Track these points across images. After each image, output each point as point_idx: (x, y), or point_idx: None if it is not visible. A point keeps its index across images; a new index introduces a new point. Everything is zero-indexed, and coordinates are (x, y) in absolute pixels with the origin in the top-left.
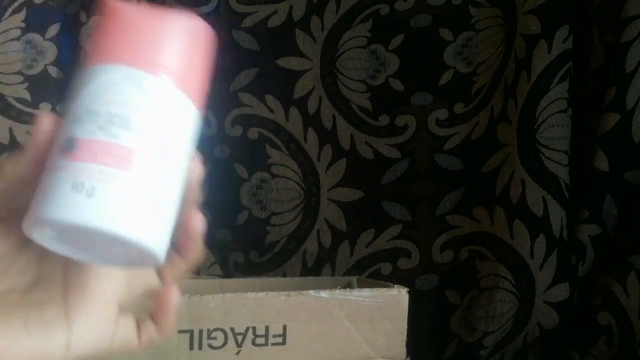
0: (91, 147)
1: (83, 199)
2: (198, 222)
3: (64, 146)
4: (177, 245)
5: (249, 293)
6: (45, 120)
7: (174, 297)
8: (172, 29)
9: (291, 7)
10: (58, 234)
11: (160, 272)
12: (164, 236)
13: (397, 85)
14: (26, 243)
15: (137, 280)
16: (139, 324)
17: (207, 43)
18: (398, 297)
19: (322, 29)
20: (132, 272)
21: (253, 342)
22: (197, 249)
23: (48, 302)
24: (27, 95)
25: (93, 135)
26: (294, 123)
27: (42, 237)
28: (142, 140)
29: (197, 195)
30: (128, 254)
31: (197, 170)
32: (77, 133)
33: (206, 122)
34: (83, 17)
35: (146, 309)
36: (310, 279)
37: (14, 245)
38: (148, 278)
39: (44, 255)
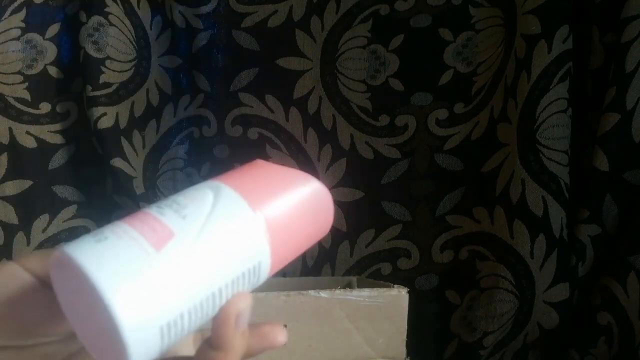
0: (138, 215)
1: (90, 242)
2: None
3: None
4: None
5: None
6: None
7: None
8: (289, 181)
9: (291, 7)
10: (63, 272)
11: None
12: (146, 331)
13: (397, 85)
14: (72, 338)
15: None
16: None
17: (323, 212)
18: (398, 297)
19: (322, 29)
20: None
21: None
22: None
23: None
24: (27, 95)
25: (148, 209)
26: (294, 123)
27: (58, 280)
28: (181, 225)
29: (232, 339)
30: (106, 337)
31: (238, 307)
32: (145, 209)
33: (206, 122)
34: (83, 17)
35: None
36: (310, 279)
37: (53, 326)
38: None
39: (75, 351)
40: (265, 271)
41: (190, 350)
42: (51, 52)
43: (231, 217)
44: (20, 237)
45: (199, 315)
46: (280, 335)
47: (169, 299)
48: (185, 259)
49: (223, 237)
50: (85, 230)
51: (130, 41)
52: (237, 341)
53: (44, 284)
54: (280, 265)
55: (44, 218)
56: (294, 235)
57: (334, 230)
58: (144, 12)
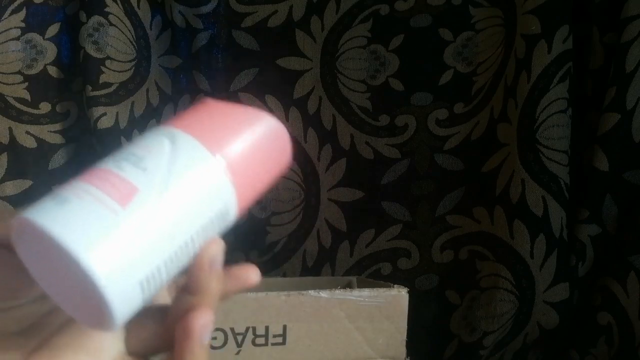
0: (95, 172)
1: (52, 205)
2: (199, 320)
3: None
4: (175, 344)
5: (249, 293)
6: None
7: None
8: (244, 120)
9: (291, 7)
10: (30, 244)
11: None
12: (126, 288)
13: (397, 85)
14: (42, 298)
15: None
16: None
17: (281, 147)
18: (398, 297)
19: (322, 29)
20: None
21: (253, 342)
22: (194, 354)
23: (13, 342)
24: (26, 95)
25: (104, 165)
26: (294, 123)
27: (20, 243)
28: (143, 179)
29: (209, 283)
30: (85, 296)
31: (212, 250)
32: (102, 164)
33: None
34: (83, 17)
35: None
36: (310, 279)
37: (25, 288)
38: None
39: (46, 312)
40: (233, 212)
41: (165, 298)
42: (51, 52)
43: (191, 163)
44: None
45: (174, 265)
46: (252, 274)
47: (143, 253)
48: (153, 213)
49: (187, 186)
50: None
51: (130, 41)
52: (213, 284)
53: (6, 247)
54: (246, 204)
55: None
56: (255, 173)
57: (334, 230)
58: (144, 12)
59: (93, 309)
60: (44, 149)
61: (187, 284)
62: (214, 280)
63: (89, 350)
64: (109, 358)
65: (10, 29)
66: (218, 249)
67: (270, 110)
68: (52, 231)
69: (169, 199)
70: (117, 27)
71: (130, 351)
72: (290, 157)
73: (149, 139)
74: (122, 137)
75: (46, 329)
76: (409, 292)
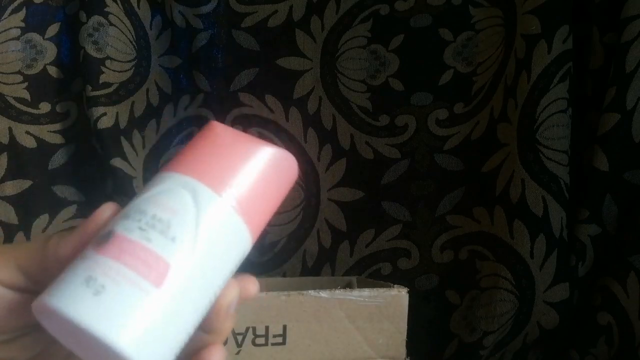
0: (122, 243)
1: (89, 295)
2: (215, 358)
3: (100, 237)
4: None
5: None
6: (104, 208)
7: None
8: (251, 154)
9: (291, 7)
10: (60, 324)
11: None
12: (163, 357)
13: (397, 85)
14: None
15: None
16: None
17: (286, 177)
18: (398, 297)
19: (322, 29)
20: None
21: (253, 342)
22: None
23: None
24: (26, 95)
25: (129, 233)
26: (294, 123)
27: (49, 323)
28: (175, 252)
29: (224, 325)
30: None
31: (230, 297)
32: (116, 227)
33: (206, 122)
34: (83, 17)
35: None
36: (310, 279)
37: (29, 321)
38: None
39: (52, 341)
40: (247, 251)
41: None
42: (51, 52)
43: (216, 224)
44: (20, 237)
45: (201, 317)
46: (251, 286)
47: (179, 329)
48: (186, 287)
49: (215, 249)
50: None
51: (130, 41)
52: (228, 325)
53: (17, 289)
54: (256, 238)
55: (44, 218)
56: (266, 209)
57: (334, 230)
58: (144, 12)
59: None
60: (44, 149)
61: (204, 324)
62: (229, 322)
63: None
64: None
65: (10, 28)
66: (235, 294)
67: (270, 110)
68: (94, 329)
69: (200, 268)
70: (117, 27)
71: None
72: (295, 178)
73: (168, 193)
74: (122, 138)
75: (52, 359)
76: (409, 292)
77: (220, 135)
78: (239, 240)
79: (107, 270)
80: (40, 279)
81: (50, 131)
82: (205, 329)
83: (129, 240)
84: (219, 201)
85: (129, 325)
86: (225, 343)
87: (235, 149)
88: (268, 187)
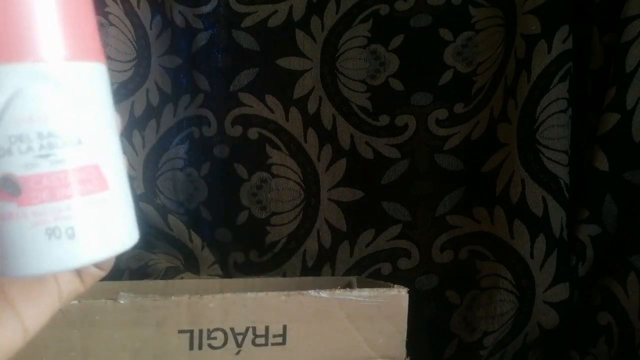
0: (41, 184)
1: (66, 243)
2: None
3: (5, 187)
4: None
5: (249, 293)
6: None
7: None
8: None
9: (291, 7)
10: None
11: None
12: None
13: (397, 85)
14: None
15: None
16: (78, 270)
17: None
18: (398, 297)
19: (322, 29)
20: None
21: (253, 342)
22: None
23: None
24: None
25: (35, 169)
26: (294, 123)
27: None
28: (87, 150)
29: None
30: None
31: (119, 124)
32: (11, 169)
33: (206, 122)
34: None
35: None
36: (310, 279)
37: None
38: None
39: None
40: (106, 72)
41: None
42: None
43: (83, 89)
44: None
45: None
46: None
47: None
48: (117, 167)
49: (104, 114)
50: None
51: (130, 41)
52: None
53: None
54: (101, 51)
55: None
56: (89, 30)
57: (334, 230)
58: (144, 12)
59: None
60: None
61: None
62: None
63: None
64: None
65: None
66: (120, 121)
67: (270, 110)
68: (93, 260)
69: (109, 140)
70: (117, 27)
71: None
72: None
73: (16, 101)
74: (122, 138)
75: None
76: (409, 292)
77: None
78: (98, 78)
79: (57, 213)
80: None
81: None
82: None
83: (45, 176)
84: (55, 68)
85: (116, 232)
86: (225, 344)
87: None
88: (75, 13)
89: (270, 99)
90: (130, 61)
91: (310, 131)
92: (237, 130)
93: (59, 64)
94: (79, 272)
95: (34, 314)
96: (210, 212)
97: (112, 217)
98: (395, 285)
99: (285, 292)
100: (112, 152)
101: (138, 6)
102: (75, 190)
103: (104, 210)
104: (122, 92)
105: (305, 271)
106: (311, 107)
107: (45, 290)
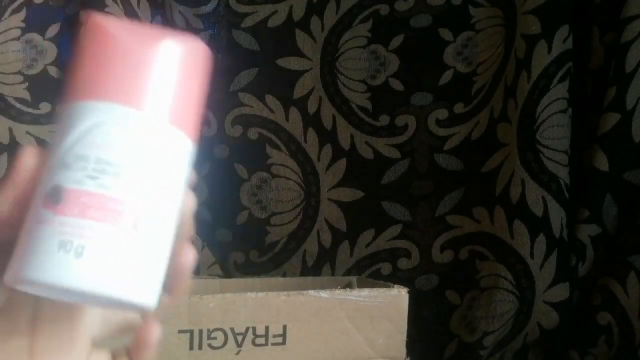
0: (79, 199)
1: (71, 260)
2: (189, 258)
3: (48, 195)
4: (165, 280)
5: (249, 293)
6: (27, 155)
7: (154, 335)
8: (161, 54)
9: (291, 7)
10: (43, 291)
11: None
12: (156, 287)
13: (397, 85)
14: None
15: (115, 314)
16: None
17: (202, 65)
18: (398, 297)
19: (322, 29)
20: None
21: (253, 342)
22: (185, 284)
23: (12, 333)
24: (26, 95)
25: (81, 185)
26: (294, 123)
27: (28, 289)
28: (134, 189)
29: (189, 229)
30: (121, 308)
31: (190, 204)
32: (63, 181)
33: (206, 122)
34: (83, 17)
35: (124, 344)
36: (310, 279)
37: None
38: (128, 313)
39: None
40: (192, 155)
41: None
42: (51, 52)
43: (159, 145)
44: None
45: (173, 232)
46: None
47: (162, 257)
48: (158, 218)
49: (166, 169)
50: None
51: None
52: (191, 227)
53: None
54: (196, 132)
55: None
56: (195, 107)
57: (334, 230)
58: (144, 12)
59: (131, 310)
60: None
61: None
62: (192, 225)
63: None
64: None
65: (10, 29)
66: (194, 200)
67: (270, 110)
68: (91, 289)
69: (161, 192)
70: None
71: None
72: (208, 60)
73: (101, 132)
74: None
75: (24, 310)
76: (409, 292)
77: (115, 35)
78: (182, 148)
79: (78, 230)
80: None
81: (50, 131)
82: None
83: (86, 194)
84: (149, 119)
85: (124, 273)
86: (225, 344)
87: (139, 50)
88: (187, 82)
89: (270, 99)
90: None
91: (310, 131)
92: (237, 130)
93: (145, 118)
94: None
95: None
96: (210, 212)
97: (128, 259)
98: (395, 285)
99: (285, 292)
100: (156, 208)
101: (138, 6)
102: (104, 216)
103: (124, 247)
104: None
105: (305, 271)
106: (311, 107)
107: (72, 358)
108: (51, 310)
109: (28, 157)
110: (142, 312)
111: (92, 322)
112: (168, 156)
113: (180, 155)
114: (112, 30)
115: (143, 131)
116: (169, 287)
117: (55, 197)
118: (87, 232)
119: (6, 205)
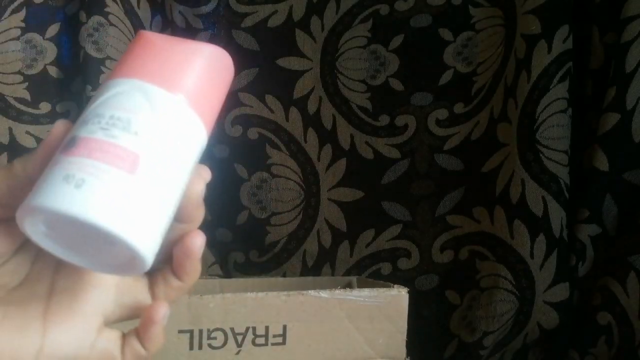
0: (88, 143)
1: (71, 190)
2: (198, 241)
3: (65, 144)
4: (173, 263)
5: (249, 293)
6: (60, 124)
7: (161, 312)
8: (192, 55)
9: (291, 7)
10: (47, 226)
11: (153, 290)
12: (153, 241)
13: (397, 85)
14: (24, 245)
15: (128, 295)
16: (124, 339)
17: (226, 73)
18: (398, 297)
19: (322, 29)
20: (124, 287)
21: (253, 342)
22: (194, 268)
23: (30, 301)
24: (26, 95)
25: (93, 134)
26: (294, 123)
27: (34, 231)
28: (140, 143)
29: (198, 212)
30: (116, 256)
31: (199, 186)
32: (79, 132)
33: None
34: (83, 17)
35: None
36: (310, 279)
37: (12, 245)
38: (140, 295)
39: (38, 257)
40: (205, 141)
41: (146, 296)
42: (51, 52)
43: (174, 120)
44: None
45: (176, 207)
46: (206, 173)
47: (161, 211)
48: (158, 173)
49: (175, 140)
50: None
51: (130, 41)
52: (200, 213)
53: None
54: (210, 128)
55: None
56: (213, 101)
57: (334, 230)
58: (144, 12)
59: (126, 264)
60: None
61: (178, 215)
62: (201, 210)
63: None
64: (100, 316)
65: (10, 29)
66: (203, 183)
67: (270, 110)
68: (84, 217)
69: (167, 157)
70: (117, 27)
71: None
72: (232, 75)
73: (122, 97)
74: None
75: (43, 282)
76: (409, 292)
77: (156, 41)
78: (196, 133)
79: (82, 166)
80: (11, 202)
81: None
82: (180, 219)
83: (95, 140)
84: (171, 98)
85: (116, 208)
86: (225, 343)
87: (176, 50)
88: (212, 81)
89: (270, 99)
90: None
91: (310, 131)
92: (237, 130)
93: (167, 95)
94: (121, 344)
95: (58, 338)
96: (210, 212)
97: (124, 198)
98: (395, 285)
99: (285, 292)
100: (159, 165)
101: (138, 6)
102: (107, 158)
103: (120, 186)
104: None
105: (305, 271)
106: (311, 107)
107: (82, 329)
108: (66, 283)
109: (59, 126)
110: (134, 254)
111: (105, 300)
112: (180, 129)
113: (192, 136)
114: (150, 36)
115: (160, 102)
116: (177, 269)
117: (69, 144)
118: (90, 169)
119: (36, 164)
